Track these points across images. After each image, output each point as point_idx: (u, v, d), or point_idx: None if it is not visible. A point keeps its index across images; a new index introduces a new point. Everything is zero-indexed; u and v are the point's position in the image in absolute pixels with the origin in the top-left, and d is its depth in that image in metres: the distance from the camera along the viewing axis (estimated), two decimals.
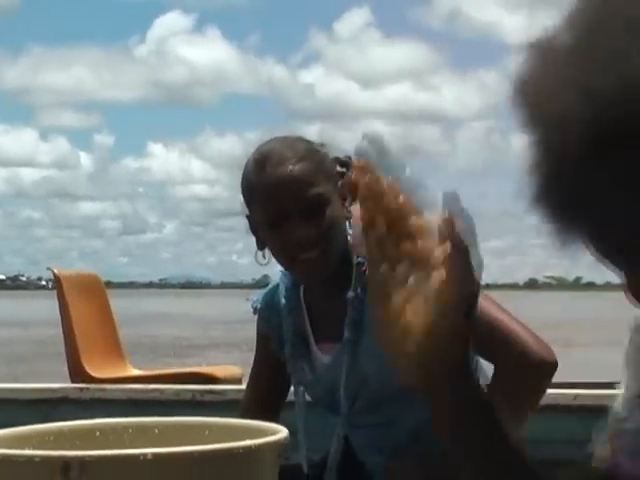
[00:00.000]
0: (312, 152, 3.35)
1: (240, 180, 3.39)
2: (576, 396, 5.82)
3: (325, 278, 3.35)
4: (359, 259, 3.29)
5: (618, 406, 1.95)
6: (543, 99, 1.54)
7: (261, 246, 3.41)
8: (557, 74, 1.54)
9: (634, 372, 1.97)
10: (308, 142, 3.40)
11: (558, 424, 5.43)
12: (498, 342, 3.14)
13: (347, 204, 3.37)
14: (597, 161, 1.47)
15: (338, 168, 3.40)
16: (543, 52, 1.58)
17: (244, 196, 3.39)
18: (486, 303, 3.19)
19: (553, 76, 1.55)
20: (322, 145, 3.41)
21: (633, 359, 1.97)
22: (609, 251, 1.61)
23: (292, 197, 3.25)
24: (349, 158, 3.42)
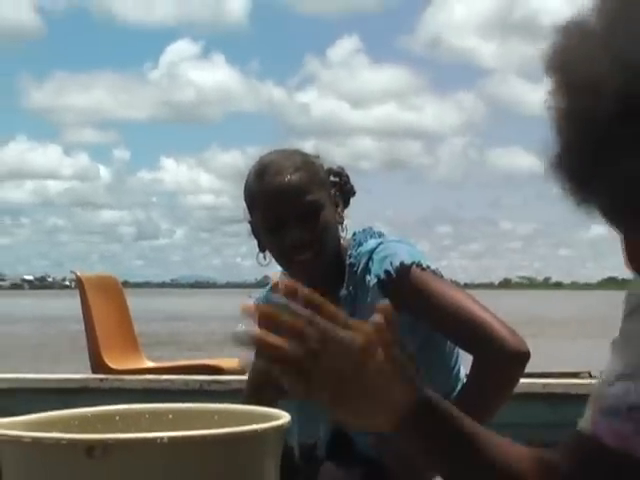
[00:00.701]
0: (307, 163, 3.34)
1: (243, 189, 3.39)
2: (545, 385, 5.81)
3: (319, 277, 3.32)
4: (350, 260, 3.32)
5: (603, 378, 1.95)
6: (579, 66, 1.52)
7: (262, 248, 3.42)
8: (591, 45, 1.52)
9: (619, 354, 1.95)
10: (304, 154, 3.40)
11: (529, 410, 5.43)
12: (477, 335, 3.13)
13: (339, 210, 3.40)
14: (624, 123, 1.46)
15: (331, 178, 3.41)
16: (578, 26, 1.56)
17: (246, 203, 3.39)
18: (467, 301, 3.19)
19: (588, 46, 1.52)
20: (317, 157, 3.42)
21: (619, 343, 1.96)
22: (619, 211, 1.58)
23: (289, 204, 3.25)
24: (341, 169, 3.45)
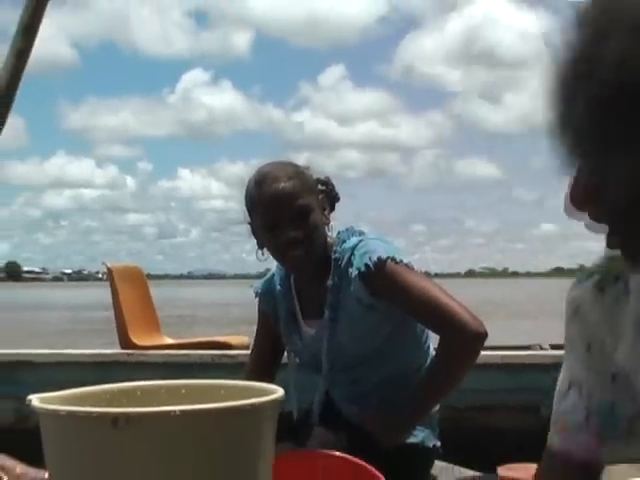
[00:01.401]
0: (298, 173, 3.35)
1: (244, 195, 3.40)
2: (503, 356, 5.82)
3: (309, 269, 3.36)
4: (336, 255, 3.33)
5: (558, 389, 1.90)
6: (600, 38, 1.46)
7: (260, 246, 3.42)
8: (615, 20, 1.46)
9: (567, 362, 1.89)
10: (296, 165, 3.40)
11: (491, 377, 5.44)
12: (443, 319, 3.15)
13: (326, 213, 3.41)
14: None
15: (319, 186, 3.41)
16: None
17: (246, 207, 3.41)
18: (434, 290, 3.20)
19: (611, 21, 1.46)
20: (307, 168, 3.43)
21: (566, 351, 1.92)
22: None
23: (283, 207, 3.26)
24: (327, 178, 3.46)
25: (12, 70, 4.38)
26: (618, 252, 1.66)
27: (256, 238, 3.42)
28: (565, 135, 1.53)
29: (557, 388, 1.89)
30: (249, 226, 3.43)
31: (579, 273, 1.87)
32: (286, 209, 3.26)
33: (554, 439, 1.87)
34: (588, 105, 1.47)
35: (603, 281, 1.81)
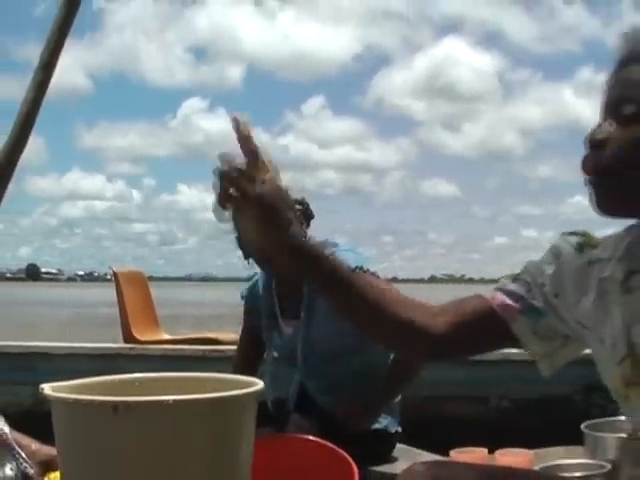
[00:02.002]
0: None
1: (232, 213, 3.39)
2: None
3: (287, 276, 3.37)
4: None
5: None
6: None
7: (246, 256, 3.42)
8: None
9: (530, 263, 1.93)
10: None
11: (445, 372, 5.43)
12: None
13: (303, 227, 3.40)
14: None
15: (297, 205, 3.41)
16: None
17: (234, 222, 3.36)
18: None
19: None
20: (286, 188, 3.42)
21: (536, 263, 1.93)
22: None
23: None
24: (303, 199, 3.46)
25: (32, 100, 4.40)
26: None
27: (241, 250, 3.42)
28: None
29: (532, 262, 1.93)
30: (236, 240, 3.43)
31: (567, 231, 1.90)
32: None
33: (497, 287, 1.95)
34: None
35: (584, 244, 1.84)
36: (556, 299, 1.86)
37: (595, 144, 1.65)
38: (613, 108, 1.66)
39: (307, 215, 3.47)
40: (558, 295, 1.85)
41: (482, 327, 1.90)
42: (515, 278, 1.92)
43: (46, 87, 4.53)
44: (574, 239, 1.86)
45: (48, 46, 4.55)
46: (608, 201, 1.67)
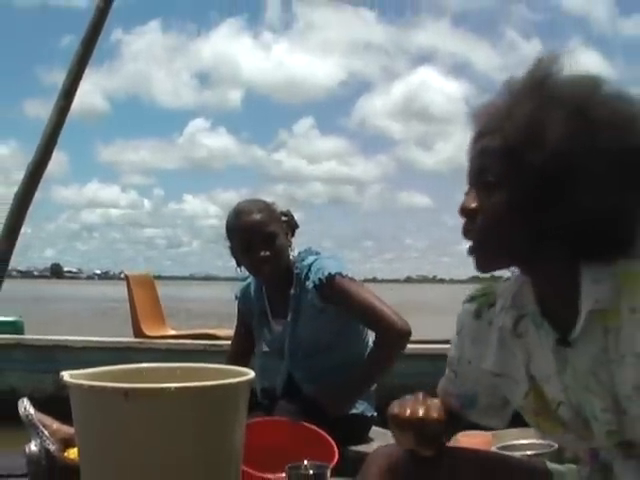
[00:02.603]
0: (267, 206, 3.35)
1: (225, 225, 3.40)
2: (427, 348, 5.84)
3: (276, 281, 3.36)
4: (297, 270, 3.32)
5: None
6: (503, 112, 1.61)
7: (238, 265, 3.40)
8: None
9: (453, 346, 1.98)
10: (264, 201, 3.40)
11: (419, 365, 5.46)
12: (376, 321, 3.17)
13: (289, 237, 3.40)
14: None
15: (283, 217, 3.40)
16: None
17: (227, 234, 3.39)
18: (371, 297, 3.22)
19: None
20: (273, 203, 3.41)
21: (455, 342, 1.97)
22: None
23: (255, 233, 3.26)
24: (288, 211, 3.46)
25: (55, 123, 4.45)
26: (494, 282, 1.81)
27: (235, 258, 3.39)
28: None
29: (449, 354, 1.98)
30: (229, 249, 3.40)
31: (467, 297, 1.91)
32: (258, 234, 3.26)
33: (439, 389, 1.99)
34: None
35: (480, 309, 1.86)
36: (470, 365, 1.90)
37: (466, 214, 1.66)
38: (476, 178, 1.66)
39: (292, 225, 3.46)
40: (471, 362, 1.90)
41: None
42: (448, 373, 1.99)
43: (67, 112, 4.58)
44: (472, 307, 1.87)
45: (69, 76, 4.60)
46: (486, 263, 1.69)
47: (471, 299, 1.89)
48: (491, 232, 1.64)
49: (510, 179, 1.59)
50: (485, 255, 1.68)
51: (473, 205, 1.66)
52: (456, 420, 1.97)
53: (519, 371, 1.77)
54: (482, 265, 1.70)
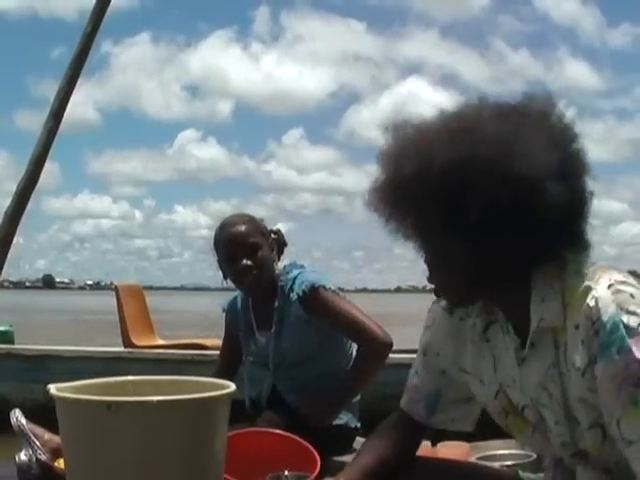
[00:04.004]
0: (252, 220, 3.40)
1: (213, 239, 3.44)
2: (412, 358, 5.85)
3: (260, 293, 3.40)
4: (281, 283, 3.36)
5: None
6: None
7: (225, 276, 3.43)
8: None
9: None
10: (250, 216, 3.45)
11: (400, 374, 5.48)
12: (358, 333, 3.21)
13: (274, 252, 3.44)
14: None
15: (272, 235, 3.44)
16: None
17: (214, 247, 3.44)
18: (352, 310, 3.26)
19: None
20: (261, 220, 3.46)
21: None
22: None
23: (238, 243, 3.32)
24: (278, 230, 3.51)
25: (43, 144, 4.50)
26: None
27: (221, 270, 3.43)
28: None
29: (412, 368, 2.05)
30: (217, 263, 3.44)
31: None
32: (240, 244, 3.31)
33: (403, 401, 2.05)
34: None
35: None
36: (438, 357, 1.97)
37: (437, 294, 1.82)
38: (407, 239, 1.77)
39: (281, 244, 3.50)
40: (439, 353, 1.96)
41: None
42: (411, 376, 2.06)
43: (55, 133, 4.62)
44: (444, 303, 1.93)
45: (57, 97, 4.64)
46: (452, 304, 1.85)
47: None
48: (440, 269, 1.74)
49: (460, 242, 1.65)
50: (447, 293, 1.79)
51: (441, 285, 1.77)
52: (421, 433, 2.05)
53: (488, 373, 1.84)
54: (451, 303, 1.83)
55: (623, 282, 1.61)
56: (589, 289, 1.61)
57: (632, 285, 1.62)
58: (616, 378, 1.55)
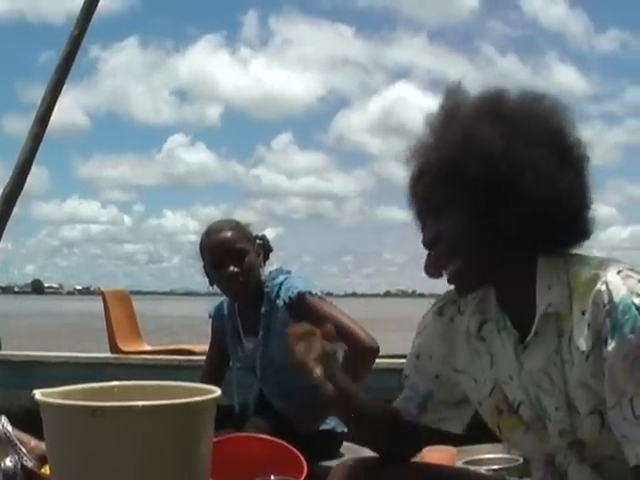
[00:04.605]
0: (238, 226, 3.40)
1: (199, 245, 3.44)
2: (402, 363, 5.85)
3: (247, 299, 3.40)
4: (267, 289, 3.35)
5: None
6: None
7: (211, 282, 3.43)
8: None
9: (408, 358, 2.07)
10: (237, 221, 3.45)
11: (391, 379, 5.47)
12: (345, 338, 3.16)
13: (260, 258, 3.44)
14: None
15: (257, 240, 3.45)
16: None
17: (200, 253, 3.43)
18: (339, 314, 3.26)
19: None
20: (248, 225, 3.46)
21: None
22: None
23: (225, 249, 3.31)
24: (264, 235, 3.51)
25: (29, 149, 4.48)
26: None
27: (207, 276, 3.43)
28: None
29: (405, 370, 2.07)
30: (203, 268, 3.44)
31: (436, 300, 2.03)
32: (227, 251, 3.30)
33: (397, 401, 2.06)
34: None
35: (443, 306, 1.98)
36: (430, 360, 1.99)
37: (429, 245, 1.80)
38: (426, 212, 1.82)
39: (266, 249, 3.50)
40: (432, 356, 1.99)
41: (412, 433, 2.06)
42: (404, 379, 2.08)
43: (41, 138, 4.60)
44: (436, 306, 2.00)
45: (43, 103, 4.62)
46: (465, 285, 1.83)
47: (434, 304, 2.01)
48: (456, 250, 1.75)
49: (458, 196, 1.73)
50: (460, 275, 1.79)
51: (433, 234, 1.78)
52: (409, 434, 2.05)
53: (484, 371, 1.87)
54: (461, 288, 1.83)
55: (631, 269, 1.67)
56: (598, 276, 1.66)
57: (639, 273, 1.68)
58: (629, 356, 1.59)
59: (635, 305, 1.60)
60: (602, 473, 1.73)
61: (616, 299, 1.61)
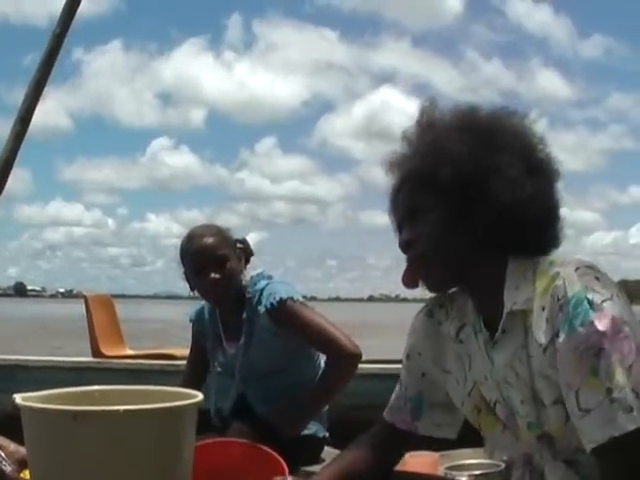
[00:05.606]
0: (219, 231, 3.38)
1: (179, 251, 3.41)
2: (382, 368, 5.85)
3: (228, 305, 3.38)
4: (249, 295, 3.34)
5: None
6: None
7: (192, 288, 3.41)
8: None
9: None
10: (217, 226, 3.43)
11: (369, 384, 5.48)
12: (327, 344, 3.20)
13: (242, 262, 3.42)
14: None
15: (238, 244, 3.43)
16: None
17: (181, 259, 3.40)
18: (321, 321, 3.25)
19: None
20: (228, 229, 3.44)
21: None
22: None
23: (207, 256, 3.28)
24: (244, 239, 3.48)
25: (10, 149, 4.46)
26: None
27: (188, 282, 3.41)
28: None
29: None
30: (184, 274, 3.42)
31: (427, 301, 2.08)
32: (208, 257, 3.27)
33: (385, 412, 2.10)
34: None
35: (433, 309, 2.04)
36: (420, 357, 2.04)
37: (405, 246, 1.87)
38: (404, 216, 1.89)
39: (247, 253, 3.47)
40: (421, 353, 2.04)
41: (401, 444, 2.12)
42: (396, 388, 2.12)
43: (23, 138, 4.58)
44: (427, 308, 2.06)
45: (25, 102, 4.60)
46: (435, 283, 1.90)
47: (424, 306, 2.07)
48: (430, 250, 1.83)
49: (432, 201, 1.81)
50: (432, 274, 1.86)
51: (409, 236, 1.85)
52: (403, 443, 2.09)
53: (464, 373, 1.93)
54: (433, 286, 1.90)
55: (590, 267, 1.72)
56: (558, 273, 1.71)
57: (598, 271, 1.72)
58: (577, 349, 1.64)
59: (588, 300, 1.64)
60: (576, 468, 1.76)
61: (570, 293, 1.66)
